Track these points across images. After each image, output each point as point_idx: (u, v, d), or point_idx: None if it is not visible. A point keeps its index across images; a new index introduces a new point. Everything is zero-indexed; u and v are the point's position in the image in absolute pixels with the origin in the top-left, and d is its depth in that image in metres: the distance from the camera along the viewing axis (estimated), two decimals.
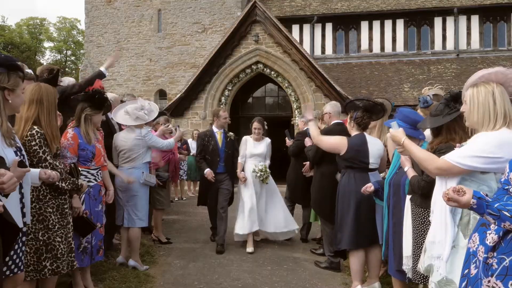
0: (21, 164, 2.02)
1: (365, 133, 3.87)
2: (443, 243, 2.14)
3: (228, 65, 13.17)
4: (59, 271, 2.82)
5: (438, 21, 15.67)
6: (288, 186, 5.97)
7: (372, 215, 3.68)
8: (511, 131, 2.00)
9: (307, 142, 4.77)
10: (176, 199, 9.67)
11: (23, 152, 2.33)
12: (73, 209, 3.14)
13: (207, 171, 5.27)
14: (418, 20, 15.75)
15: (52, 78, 2.98)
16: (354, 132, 3.87)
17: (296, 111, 12.94)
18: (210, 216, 5.69)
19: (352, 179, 3.77)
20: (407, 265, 2.91)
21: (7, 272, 2.25)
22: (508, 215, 1.59)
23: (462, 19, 15.47)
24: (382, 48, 15.94)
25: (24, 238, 2.40)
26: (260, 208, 5.43)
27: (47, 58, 37.95)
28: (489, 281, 1.67)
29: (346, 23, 15.94)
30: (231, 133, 5.58)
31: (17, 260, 2.30)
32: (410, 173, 2.90)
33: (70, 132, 3.42)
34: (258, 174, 5.37)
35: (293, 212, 5.97)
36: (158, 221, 5.70)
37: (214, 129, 5.48)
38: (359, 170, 3.79)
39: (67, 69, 35.88)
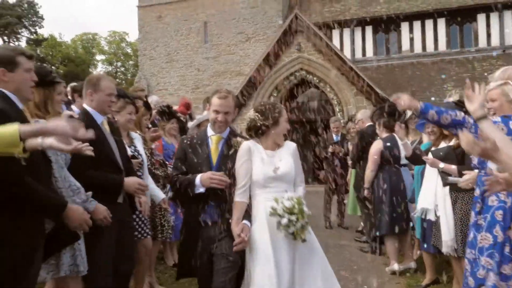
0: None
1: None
2: None
3: (272, 73, 14.00)
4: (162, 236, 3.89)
5: (481, 18, 15.57)
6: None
7: None
8: None
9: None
10: None
11: None
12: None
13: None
14: (461, 18, 15.74)
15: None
16: (384, 134, 4.62)
17: (338, 114, 13.49)
18: None
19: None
20: (452, 247, 3.40)
21: (139, 236, 3.32)
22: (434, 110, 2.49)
23: (507, 14, 15.28)
24: (424, 47, 16.06)
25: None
26: None
27: (99, 70, 40.14)
28: (481, 236, 2.37)
29: (386, 25, 16.25)
30: (239, 139, 2.73)
31: (143, 227, 3.37)
32: (450, 167, 3.35)
33: None
34: (284, 222, 2.37)
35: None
36: None
37: (209, 129, 2.78)
38: None
39: (117, 80, 37.97)
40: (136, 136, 3.54)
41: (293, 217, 2.37)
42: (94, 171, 2.62)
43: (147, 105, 4.06)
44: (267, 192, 2.52)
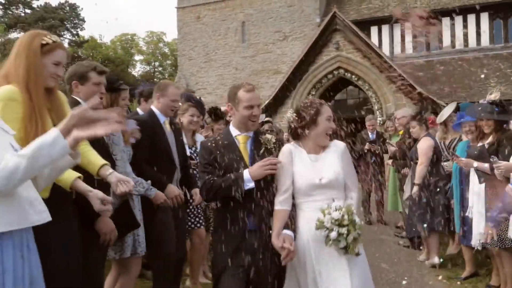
0: None
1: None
2: None
3: (311, 72, 14.18)
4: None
5: None
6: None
7: None
8: None
9: None
10: None
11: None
12: None
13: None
14: (505, 12, 15.22)
15: None
16: (423, 133, 4.80)
17: (377, 112, 13.49)
18: None
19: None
20: (480, 240, 3.61)
21: (192, 226, 3.66)
22: None
23: None
24: (466, 43, 15.67)
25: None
26: None
27: (137, 70, 40.97)
28: None
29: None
30: (268, 136, 2.51)
31: (195, 218, 3.70)
32: (483, 165, 3.57)
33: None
34: (333, 235, 2.13)
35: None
36: None
37: (232, 129, 2.50)
38: None
39: (155, 79, 38.84)
40: (201, 139, 3.85)
41: (343, 230, 2.11)
42: (148, 167, 3.04)
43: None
44: (311, 201, 2.27)
